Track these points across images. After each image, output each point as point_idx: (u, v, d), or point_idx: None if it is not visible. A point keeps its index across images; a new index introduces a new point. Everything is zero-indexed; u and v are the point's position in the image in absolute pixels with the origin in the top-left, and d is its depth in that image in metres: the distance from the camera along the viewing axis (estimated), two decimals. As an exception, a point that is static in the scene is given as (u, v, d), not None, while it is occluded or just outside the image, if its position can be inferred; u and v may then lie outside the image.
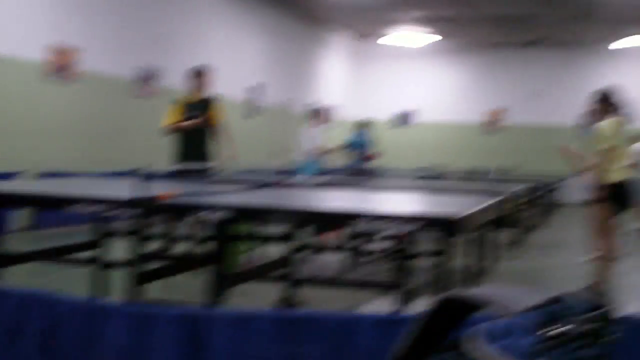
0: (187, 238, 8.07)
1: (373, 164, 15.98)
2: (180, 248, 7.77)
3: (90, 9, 12.30)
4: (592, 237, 7.64)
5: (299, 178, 11.51)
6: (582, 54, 23.19)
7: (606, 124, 7.65)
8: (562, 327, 1.25)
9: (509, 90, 23.75)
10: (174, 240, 7.74)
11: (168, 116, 9.44)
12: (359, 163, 15.85)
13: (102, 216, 5.58)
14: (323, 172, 11.58)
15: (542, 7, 17.65)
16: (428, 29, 21.05)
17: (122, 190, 4.92)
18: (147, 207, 4.40)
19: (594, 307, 1.33)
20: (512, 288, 1.37)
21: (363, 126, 16.59)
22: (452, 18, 19.39)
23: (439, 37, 22.13)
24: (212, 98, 9.69)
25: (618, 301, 6.77)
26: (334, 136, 21.21)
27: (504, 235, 11.20)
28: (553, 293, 1.32)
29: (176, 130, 9.38)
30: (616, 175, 7.56)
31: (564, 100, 22.94)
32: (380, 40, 23.12)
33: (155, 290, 5.52)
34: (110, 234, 6.42)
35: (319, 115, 13.29)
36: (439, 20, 19.73)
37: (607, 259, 7.63)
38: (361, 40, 24.35)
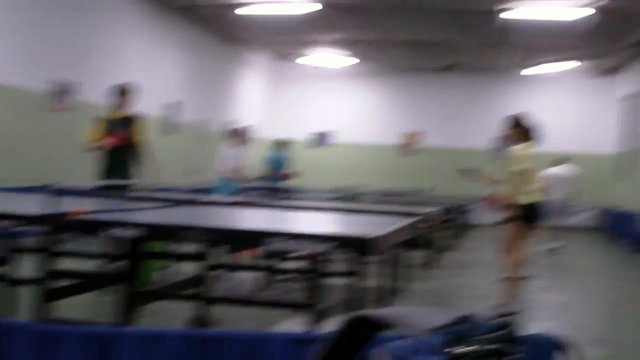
0: (99, 256, 7.93)
1: (289, 183, 16.03)
2: (91, 265, 7.63)
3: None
4: (502, 257, 7.80)
5: (215, 196, 11.46)
6: (495, 80, 23.72)
7: (518, 148, 7.85)
8: (468, 346, 1.27)
9: (424, 114, 24.09)
10: (85, 257, 7.59)
11: (90, 133, 9.32)
12: (276, 182, 15.86)
13: (11, 232, 5.44)
14: (239, 191, 11.55)
15: (457, 34, 17.98)
16: (346, 52, 21.26)
17: (32, 205, 4.81)
18: (57, 223, 4.30)
19: (499, 326, 1.36)
20: (419, 308, 1.39)
21: (280, 146, 16.69)
22: (370, 42, 19.60)
23: (356, 60, 22.39)
24: (136, 116, 9.61)
25: (524, 321, 6.91)
26: (252, 155, 21.19)
27: (417, 256, 11.33)
28: (461, 313, 1.34)
29: (98, 148, 9.26)
30: (527, 197, 7.74)
31: (478, 124, 23.41)
32: (299, 61, 23.27)
33: (64, 308, 5.40)
34: (18, 250, 6.26)
35: (237, 135, 13.27)
36: (356, 43, 19.92)
37: (516, 279, 7.80)
38: (280, 60, 24.42)
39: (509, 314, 7.51)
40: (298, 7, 15.81)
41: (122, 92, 9.55)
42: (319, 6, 15.65)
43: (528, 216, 7.83)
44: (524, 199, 7.73)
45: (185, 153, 18.28)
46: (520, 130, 7.99)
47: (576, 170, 14.51)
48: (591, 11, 14.78)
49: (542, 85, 23.21)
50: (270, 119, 24.51)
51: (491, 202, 8.96)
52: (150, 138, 9.70)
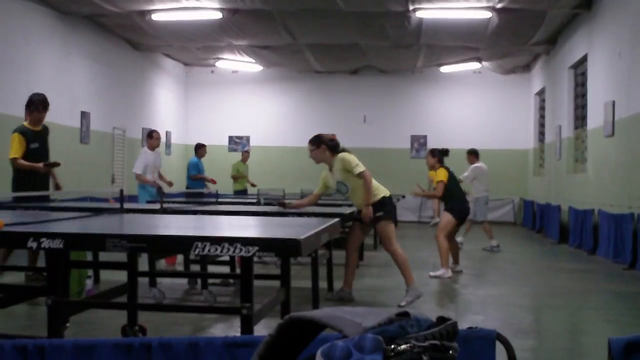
0: (22, 268, 7.77)
1: (209, 188, 15.92)
2: (13, 278, 7.46)
3: None
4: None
5: (136, 203, 11.31)
6: (409, 80, 24.01)
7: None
8: (405, 343, 1.27)
9: (340, 116, 24.21)
10: (6, 270, 7.42)
11: (13, 147, 9.17)
12: (195, 187, 15.76)
13: None
14: (159, 197, 11.41)
15: (368, 36, 18.12)
16: (257, 57, 21.28)
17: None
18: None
19: (435, 322, 1.36)
20: (354, 308, 1.38)
21: (197, 151, 16.59)
22: (280, 46, 19.61)
23: (267, 65, 22.51)
24: (46, 127, 9.55)
25: (455, 316, 7.00)
26: (170, 161, 21.00)
27: (343, 256, 11.38)
28: (395, 311, 1.34)
29: (25, 168, 9.14)
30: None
31: (394, 125, 23.68)
32: (213, 67, 23.29)
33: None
34: None
35: (152, 137, 13.12)
36: (267, 48, 19.93)
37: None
38: (193, 66, 24.33)
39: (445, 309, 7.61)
40: (202, 14, 15.80)
41: (43, 105, 9.40)
42: (219, 14, 15.67)
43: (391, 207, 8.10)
44: (378, 196, 7.95)
45: (103, 162, 18.00)
46: (327, 147, 8.11)
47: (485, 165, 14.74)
48: (491, 13, 15.19)
49: (457, 84, 23.62)
50: (186, 125, 24.39)
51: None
52: (63, 148, 9.60)
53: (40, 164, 9.16)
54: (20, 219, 5.03)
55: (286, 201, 8.53)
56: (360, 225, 8.16)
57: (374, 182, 7.99)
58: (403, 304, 7.71)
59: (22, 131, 9.26)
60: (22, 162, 9.06)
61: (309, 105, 24.52)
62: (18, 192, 8.79)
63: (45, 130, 9.46)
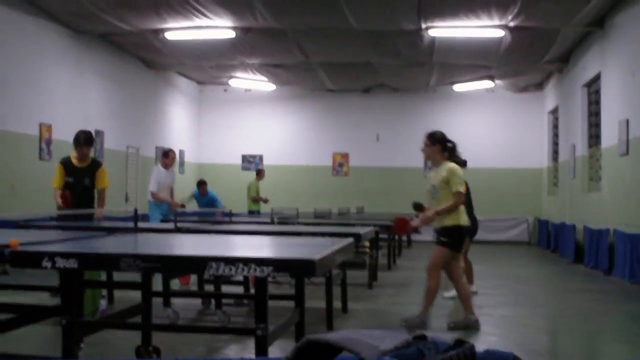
0: (39, 288, 7.79)
1: (225, 208, 15.85)
2: (30, 298, 7.47)
3: None
4: (430, 273, 7.77)
5: (150, 223, 11.33)
6: (422, 98, 23.98)
7: (456, 167, 7.79)
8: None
9: (353, 134, 24.22)
10: (23, 289, 7.45)
11: (56, 177, 9.46)
12: (210, 206, 15.74)
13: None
14: (173, 216, 11.41)
15: (380, 54, 18.16)
16: (267, 76, 21.34)
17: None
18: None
19: (454, 345, 1.35)
20: (371, 331, 1.37)
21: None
22: (294, 65, 19.65)
23: (277, 84, 22.60)
24: (97, 163, 9.73)
25: (472, 337, 6.95)
26: (183, 180, 21.03)
27: (358, 276, 11.33)
28: (413, 334, 1.33)
29: (63, 198, 9.32)
30: (457, 219, 7.73)
31: (407, 143, 23.55)
32: (226, 85, 23.31)
33: (4, 342, 5.26)
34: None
35: (168, 157, 13.15)
36: (280, 66, 19.98)
37: (464, 294, 7.83)
38: (206, 85, 24.38)
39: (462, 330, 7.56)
40: (215, 33, 15.82)
41: (83, 139, 9.52)
42: (232, 33, 15.72)
43: (457, 239, 7.83)
44: (454, 222, 7.70)
45: (116, 180, 17.97)
46: (442, 147, 7.93)
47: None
48: (504, 31, 15.19)
49: (471, 103, 23.54)
50: (199, 144, 24.42)
51: (401, 226, 8.93)
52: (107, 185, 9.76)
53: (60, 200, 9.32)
54: (36, 238, 5.04)
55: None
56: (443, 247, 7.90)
57: (461, 207, 7.81)
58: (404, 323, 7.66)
59: (62, 162, 9.51)
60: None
61: (322, 123, 24.51)
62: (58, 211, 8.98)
63: (89, 168, 9.56)
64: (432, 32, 15.48)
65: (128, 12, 14.60)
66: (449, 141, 7.96)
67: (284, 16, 14.76)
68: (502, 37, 15.83)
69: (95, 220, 9.69)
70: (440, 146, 7.88)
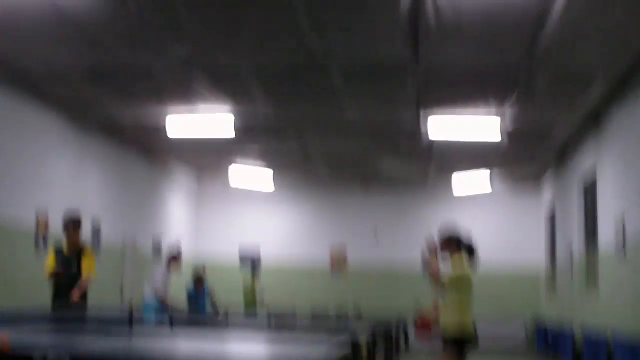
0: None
1: (219, 309, 15.49)
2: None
3: None
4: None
5: (144, 322, 11.17)
6: (421, 194, 23.98)
7: (458, 268, 7.67)
8: None
9: (350, 229, 24.20)
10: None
11: (48, 263, 9.34)
12: (203, 308, 15.42)
13: None
14: (168, 317, 11.24)
15: (379, 150, 18.31)
16: (266, 162, 21.22)
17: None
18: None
19: None
20: None
21: (197, 281, 15.95)
22: (285, 153, 19.69)
23: (278, 179, 22.72)
24: (86, 250, 9.65)
25: None
26: (177, 281, 20.80)
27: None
28: None
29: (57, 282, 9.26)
30: (462, 326, 7.60)
31: (406, 239, 23.36)
32: (224, 181, 23.15)
33: None
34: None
35: (177, 260, 13.09)
36: (275, 161, 20.21)
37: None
38: (204, 179, 24.23)
39: None
40: (216, 132, 15.75)
41: (71, 225, 9.49)
42: (232, 134, 15.75)
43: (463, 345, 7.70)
44: (458, 328, 7.57)
45: (111, 274, 17.70)
46: (454, 243, 7.86)
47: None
48: (500, 137, 15.34)
49: (469, 201, 23.49)
50: (196, 239, 24.19)
51: (423, 325, 8.83)
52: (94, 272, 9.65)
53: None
54: (21, 335, 4.95)
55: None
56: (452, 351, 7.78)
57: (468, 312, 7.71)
58: None
59: (55, 249, 9.41)
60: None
61: (319, 219, 24.52)
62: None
63: (77, 255, 9.46)
64: (431, 137, 15.59)
65: (129, 102, 14.68)
66: (458, 239, 7.95)
67: (284, 106, 14.87)
68: (496, 142, 15.99)
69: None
70: (455, 246, 7.89)
